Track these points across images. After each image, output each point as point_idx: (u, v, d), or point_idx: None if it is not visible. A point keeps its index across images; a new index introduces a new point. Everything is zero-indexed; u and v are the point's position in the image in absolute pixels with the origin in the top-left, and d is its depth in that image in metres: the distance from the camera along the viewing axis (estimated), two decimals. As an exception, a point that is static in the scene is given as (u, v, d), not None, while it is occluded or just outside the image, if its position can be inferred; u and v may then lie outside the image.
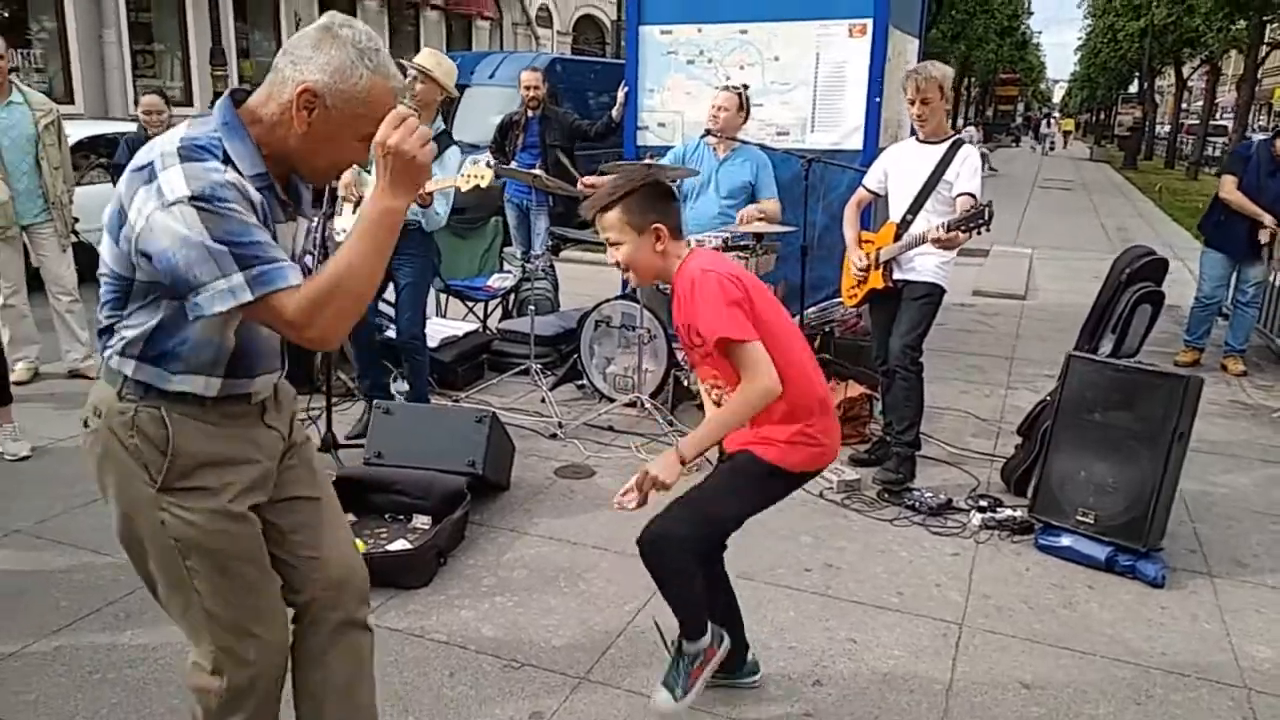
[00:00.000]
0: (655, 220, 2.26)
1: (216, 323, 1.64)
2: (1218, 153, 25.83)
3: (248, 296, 1.53)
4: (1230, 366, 6.03)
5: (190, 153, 1.56)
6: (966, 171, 3.91)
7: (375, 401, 4.09)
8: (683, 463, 2.20)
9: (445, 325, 5.81)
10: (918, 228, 3.95)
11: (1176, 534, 3.61)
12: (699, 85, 5.77)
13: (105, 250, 1.65)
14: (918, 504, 3.82)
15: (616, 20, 29.22)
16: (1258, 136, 7.15)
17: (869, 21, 5.46)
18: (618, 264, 2.34)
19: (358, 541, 3.34)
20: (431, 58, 4.32)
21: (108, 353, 1.72)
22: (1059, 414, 3.55)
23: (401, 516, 3.64)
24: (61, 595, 3.05)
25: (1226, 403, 5.41)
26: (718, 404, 2.41)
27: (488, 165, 4.10)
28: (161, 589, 1.81)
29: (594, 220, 2.35)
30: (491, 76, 11.77)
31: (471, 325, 5.98)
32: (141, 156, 1.60)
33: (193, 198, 1.51)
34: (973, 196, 3.85)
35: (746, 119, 4.99)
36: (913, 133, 4.14)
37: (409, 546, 3.33)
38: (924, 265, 3.99)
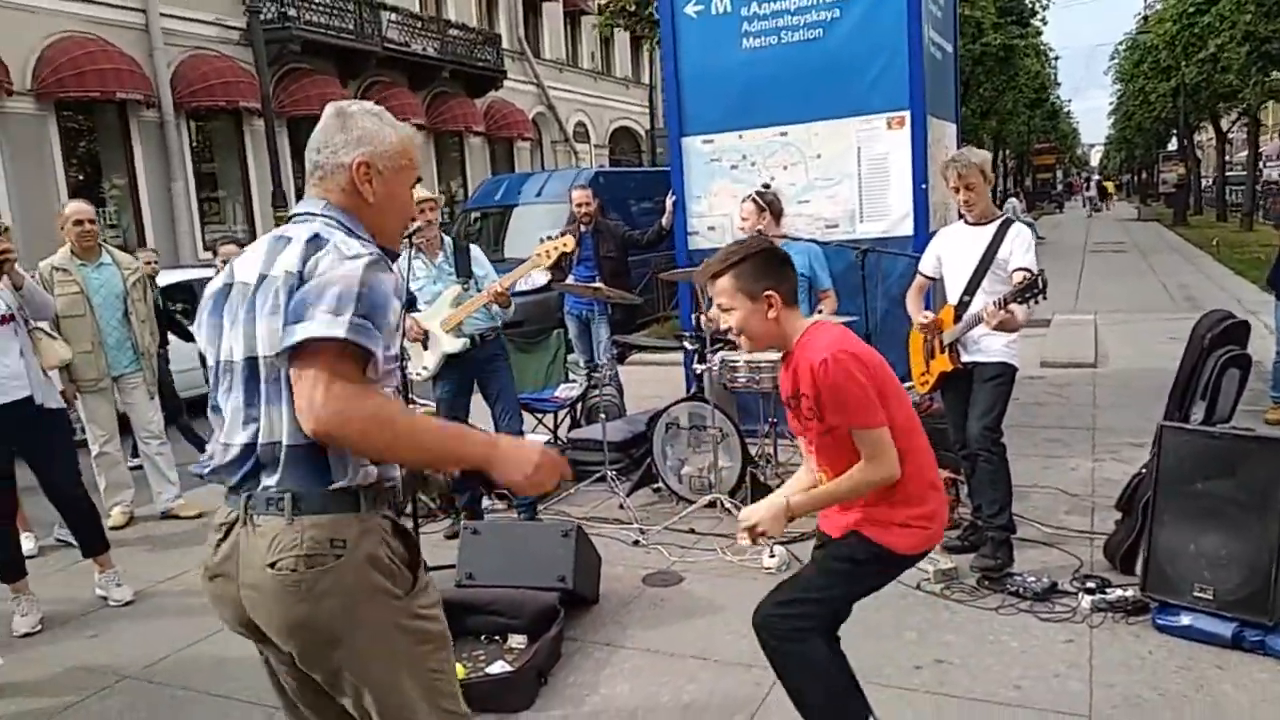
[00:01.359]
0: (768, 287, 2.26)
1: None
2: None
3: (339, 332, 1.62)
4: (1317, 421, 5.84)
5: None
6: (1019, 248, 3.92)
7: (463, 523, 4.14)
8: (790, 518, 2.28)
9: (517, 440, 5.87)
10: (976, 307, 3.94)
11: (1301, 603, 3.44)
12: (744, 188, 5.87)
13: (274, 339, 1.72)
14: (1021, 589, 3.70)
15: (650, 130, 30.17)
16: None
17: (906, 113, 5.58)
18: (728, 330, 2.37)
19: (458, 667, 3.33)
20: (424, 189, 4.59)
21: (348, 474, 1.71)
22: (1158, 486, 3.45)
23: (497, 637, 3.62)
24: (174, 741, 3.07)
25: None
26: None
27: (560, 235, 4.38)
28: (401, 709, 1.76)
29: (705, 286, 2.36)
30: (539, 195, 12.21)
31: (543, 436, 6.04)
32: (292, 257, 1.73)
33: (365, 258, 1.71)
34: (1029, 271, 3.85)
35: (778, 217, 5.10)
36: (961, 216, 4.18)
37: (508, 668, 3.30)
38: (991, 345, 3.96)
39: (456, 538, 4.55)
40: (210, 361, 1.84)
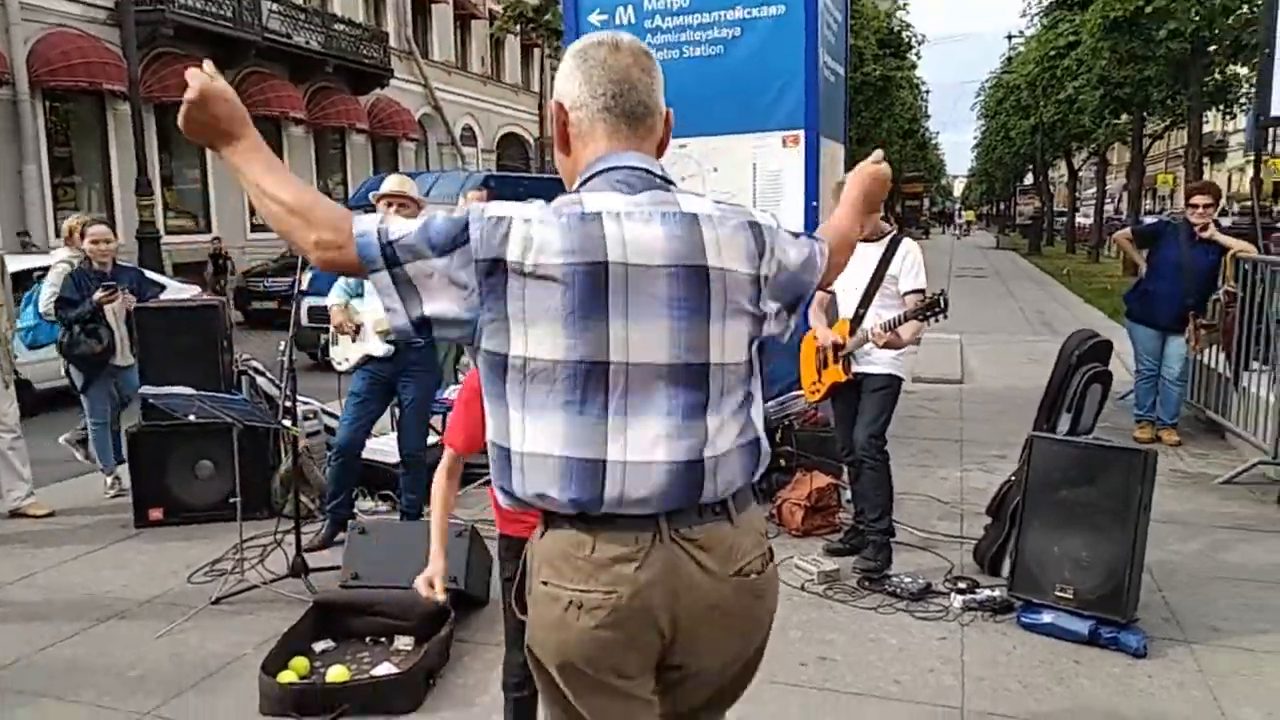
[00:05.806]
0: None
1: None
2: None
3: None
4: (1166, 438, 6.29)
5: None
6: (908, 268, 4.10)
7: (350, 521, 4.03)
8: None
9: (403, 441, 5.74)
10: (869, 322, 4.10)
11: (1148, 603, 3.70)
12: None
13: (734, 346, 1.54)
14: (899, 590, 3.86)
15: (539, 137, 30.16)
16: (1149, 219, 7.81)
17: (801, 132, 5.76)
18: None
19: (340, 669, 3.23)
20: (403, 183, 4.46)
21: (761, 463, 1.60)
22: (1027, 493, 3.67)
23: (383, 639, 3.53)
24: (28, 752, 2.86)
25: (1169, 472, 5.63)
26: None
27: None
28: (744, 682, 1.73)
29: None
30: (427, 194, 11.97)
31: (431, 439, 5.91)
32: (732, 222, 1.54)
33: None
34: (921, 293, 4.03)
35: None
36: None
37: (395, 670, 3.22)
38: (881, 357, 4.13)
39: (325, 548, 4.43)
40: (574, 357, 1.45)
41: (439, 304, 1.44)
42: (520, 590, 1.63)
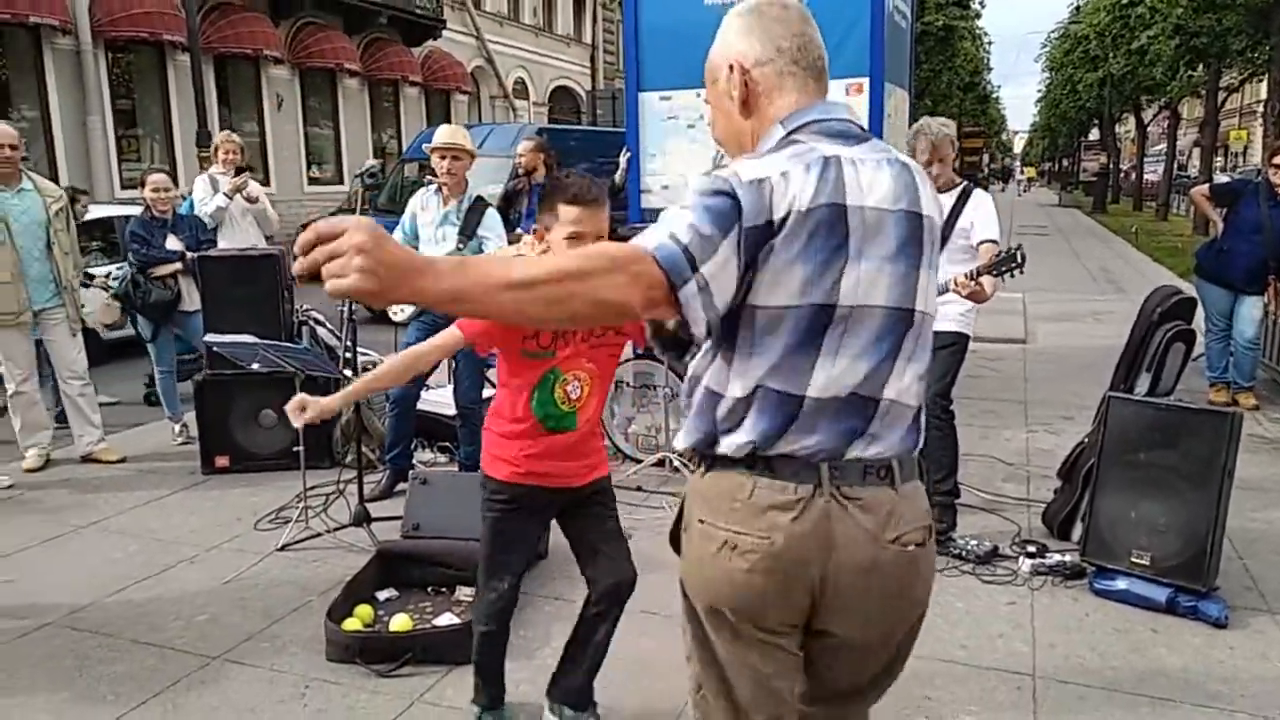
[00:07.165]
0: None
1: None
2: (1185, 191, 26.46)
3: None
4: (1242, 401, 6.06)
5: None
6: (981, 218, 3.95)
7: (411, 473, 4.05)
8: None
9: (459, 394, 5.76)
10: (940, 276, 3.95)
11: (1228, 571, 3.58)
12: (701, 148, 5.83)
13: (931, 296, 1.55)
14: (965, 553, 3.78)
15: (591, 90, 29.87)
16: (1222, 176, 7.51)
17: (865, 80, 5.57)
18: None
19: (404, 618, 3.26)
20: (455, 133, 4.41)
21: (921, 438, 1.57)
22: (1103, 455, 3.54)
23: (444, 589, 3.55)
24: (107, 688, 2.93)
25: (1246, 438, 5.34)
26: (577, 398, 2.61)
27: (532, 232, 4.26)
28: (893, 670, 1.67)
29: (577, 208, 2.37)
30: (480, 148, 11.90)
31: (487, 392, 5.92)
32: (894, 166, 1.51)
33: None
34: (995, 242, 3.89)
35: None
36: None
37: (458, 620, 3.24)
38: (948, 314, 3.99)
39: (385, 498, 4.48)
40: (807, 301, 1.42)
41: (725, 287, 1.36)
42: (675, 529, 1.64)
